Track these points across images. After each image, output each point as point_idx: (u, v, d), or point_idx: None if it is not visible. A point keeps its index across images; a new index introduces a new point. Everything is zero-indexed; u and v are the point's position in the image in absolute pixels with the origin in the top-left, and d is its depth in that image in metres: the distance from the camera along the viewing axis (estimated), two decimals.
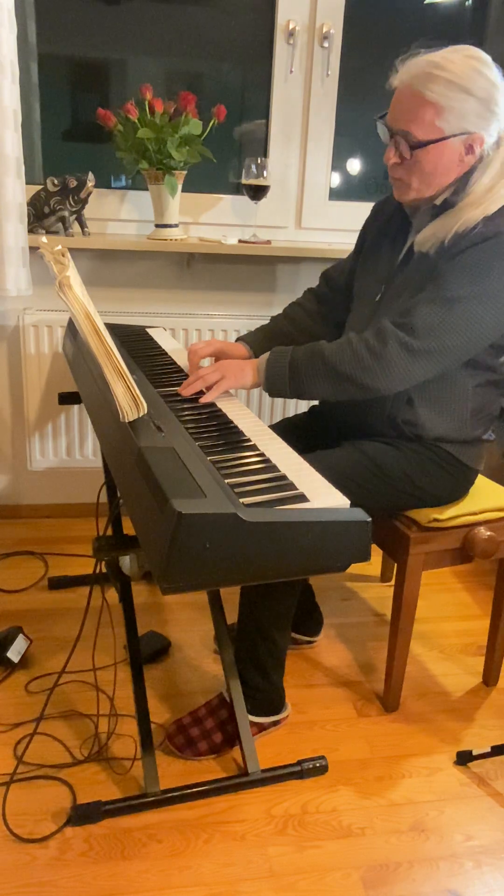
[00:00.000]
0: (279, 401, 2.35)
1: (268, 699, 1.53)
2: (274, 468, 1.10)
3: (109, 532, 1.33)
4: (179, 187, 2.09)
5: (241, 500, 0.97)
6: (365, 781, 1.46)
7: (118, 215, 2.26)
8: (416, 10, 2.26)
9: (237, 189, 2.34)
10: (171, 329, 2.24)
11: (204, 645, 1.84)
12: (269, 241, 2.20)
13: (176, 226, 2.14)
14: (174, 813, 1.36)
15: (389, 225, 1.52)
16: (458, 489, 1.51)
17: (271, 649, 1.48)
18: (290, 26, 2.14)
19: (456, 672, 1.80)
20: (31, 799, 1.37)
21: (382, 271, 1.49)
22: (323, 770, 1.46)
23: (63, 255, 1.26)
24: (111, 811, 1.33)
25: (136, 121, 1.98)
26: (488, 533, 1.50)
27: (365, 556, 1.01)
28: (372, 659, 1.83)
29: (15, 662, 1.68)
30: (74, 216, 2.09)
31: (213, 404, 1.36)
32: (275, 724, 1.57)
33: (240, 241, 2.19)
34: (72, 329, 1.75)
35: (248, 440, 1.20)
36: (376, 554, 2.29)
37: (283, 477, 1.07)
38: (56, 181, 2.04)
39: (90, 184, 2.03)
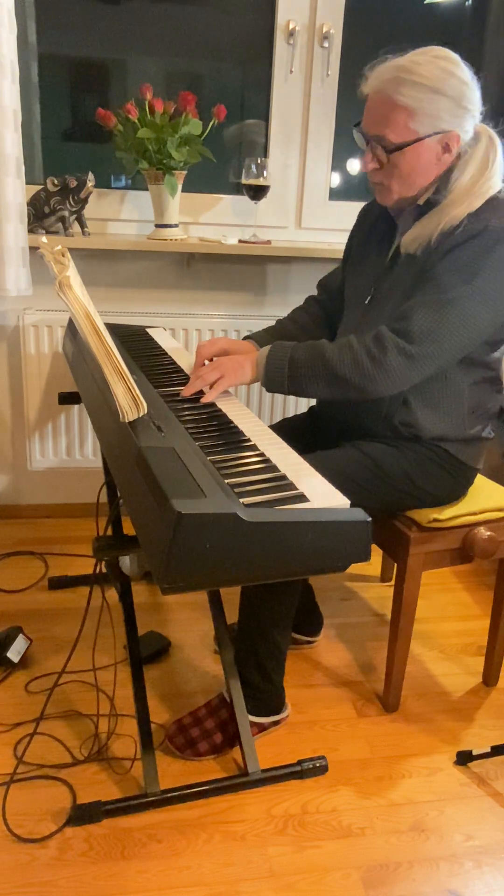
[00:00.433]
0: (279, 401, 2.35)
1: (268, 699, 1.53)
2: (274, 468, 1.10)
3: (109, 532, 1.33)
4: (179, 187, 2.09)
5: (241, 500, 0.97)
6: (365, 781, 1.46)
7: (118, 215, 2.26)
8: (416, 10, 2.26)
9: (237, 189, 2.34)
10: (171, 329, 2.24)
11: (204, 645, 1.84)
12: (269, 241, 2.20)
13: (176, 226, 2.14)
14: (174, 813, 1.36)
15: (375, 229, 1.53)
16: (458, 488, 1.51)
17: (272, 649, 1.48)
18: (290, 26, 2.14)
19: (456, 672, 1.80)
20: (31, 799, 1.37)
21: (371, 274, 1.50)
22: (323, 770, 1.46)
23: (63, 255, 1.26)
24: (111, 811, 1.33)
25: (136, 121, 1.98)
26: (488, 533, 1.50)
27: (365, 556, 1.01)
28: (372, 659, 1.83)
29: (15, 662, 1.68)
30: (74, 216, 2.09)
31: (213, 404, 1.36)
32: (275, 724, 1.57)
33: (240, 241, 2.19)
34: (72, 329, 1.75)
35: (248, 440, 1.20)
36: (376, 554, 2.29)
37: (283, 477, 1.07)
38: (56, 181, 2.04)
39: (90, 184, 2.03)
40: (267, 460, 1.13)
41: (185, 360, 1.62)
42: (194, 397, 1.39)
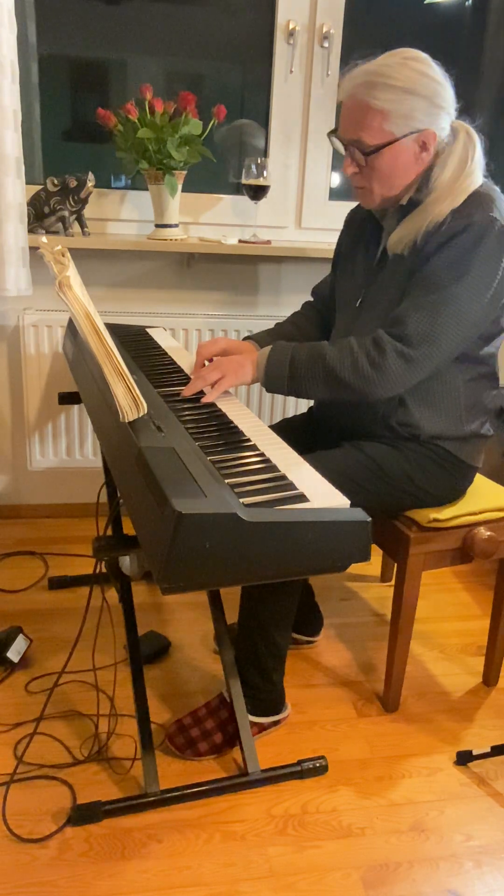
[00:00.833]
0: (279, 401, 2.35)
1: (268, 699, 1.53)
2: (274, 468, 1.10)
3: (109, 532, 1.33)
4: (179, 187, 2.09)
5: (241, 500, 0.97)
6: (365, 781, 1.46)
7: (118, 215, 2.26)
8: (416, 10, 2.26)
9: (237, 189, 2.34)
10: (171, 329, 2.24)
11: (204, 645, 1.84)
12: (269, 241, 2.20)
13: (176, 226, 2.14)
14: (174, 813, 1.36)
15: (362, 232, 1.54)
16: (457, 488, 1.51)
17: (272, 649, 1.48)
18: (290, 26, 2.14)
19: (456, 672, 1.80)
20: (31, 799, 1.37)
21: (360, 278, 1.51)
22: (323, 770, 1.46)
23: (63, 255, 1.26)
24: (111, 811, 1.33)
25: (136, 121, 1.98)
26: (488, 533, 1.50)
27: (365, 556, 1.01)
28: (372, 659, 1.83)
29: (15, 662, 1.68)
30: (74, 216, 2.09)
31: (213, 404, 1.37)
32: (275, 724, 1.57)
33: (240, 241, 2.19)
34: (72, 329, 1.75)
35: (248, 440, 1.20)
36: (376, 554, 2.29)
37: (283, 477, 1.07)
38: (56, 181, 2.04)
39: (90, 184, 2.03)
40: (267, 460, 1.13)
41: (185, 360, 1.62)
42: (195, 397, 1.39)
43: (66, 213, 2.06)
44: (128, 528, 2.23)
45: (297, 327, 1.70)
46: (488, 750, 1.48)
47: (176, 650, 1.82)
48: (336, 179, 2.36)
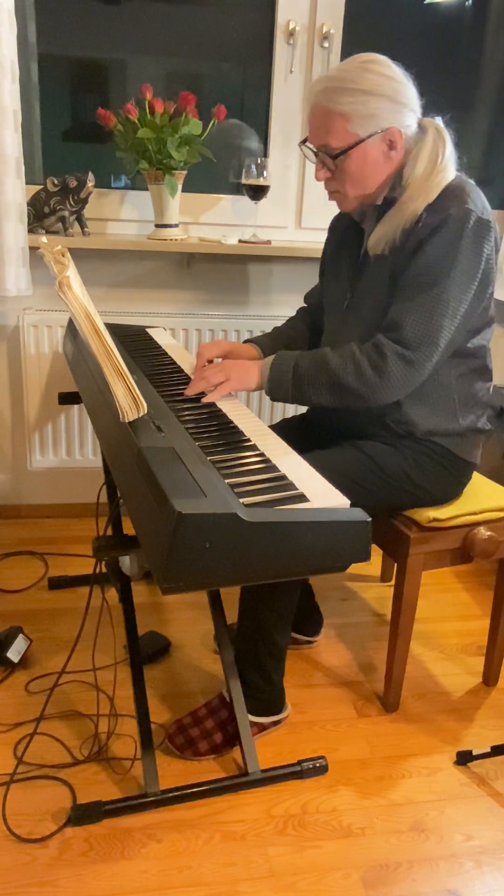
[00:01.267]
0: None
1: (268, 699, 1.53)
2: (274, 468, 1.10)
3: (109, 532, 1.33)
4: (179, 187, 2.09)
5: (241, 500, 0.97)
6: (365, 781, 1.46)
7: (118, 215, 2.26)
8: (416, 10, 2.26)
9: (237, 189, 2.34)
10: (171, 329, 2.24)
11: (204, 645, 1.84)
12: (269, 241, 2.20)
13: (176, 226, 2.14)
14: (174, 813, 1.36)
15: (345, 237, 1.56)
16: (455, 485, 1.51)
17: (271, 649, 1.48)
18: (290, 26, 2.14)
19: (456, 672, 1.80)
20: (31, 799, 1.37)
21: (345, 281, 1.52)
22: (323, 770, 1.46)
23: (63, 255, 1.26)
24: (111, 811, 1.33)
25: (136, 121, 1.98)
26: (488, 533, 1.50)
27: (365, 556, 1.01)
28: (372, 659, 1.83)
29: (15, 662, 1.68)
30: (74, 216, 2.09)
31: (213, 404, 1.37)
32: (275, 724, 1.57)
33: (240, 241, 2.19)
34: (72, 329, 1.75)
35: (248, 440, 1.21)
36: (376, 554, 2.29)
37: (283, 477, 1.07)
38: (56, 181, 2.04)
39: (90, 184, 2.03)
40: (267, 460, 1.13)
41: (184, 360, 1.62)
42: (195, 397, 1.39)
43: (66, 213, 2.06)
44: (128, 528, 2.23)
45: (295, 331, 1.71)
46: (488, 750, 1.48)
47: (176, 650, 1.82)
48: None
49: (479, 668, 1.82)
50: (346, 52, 2.18)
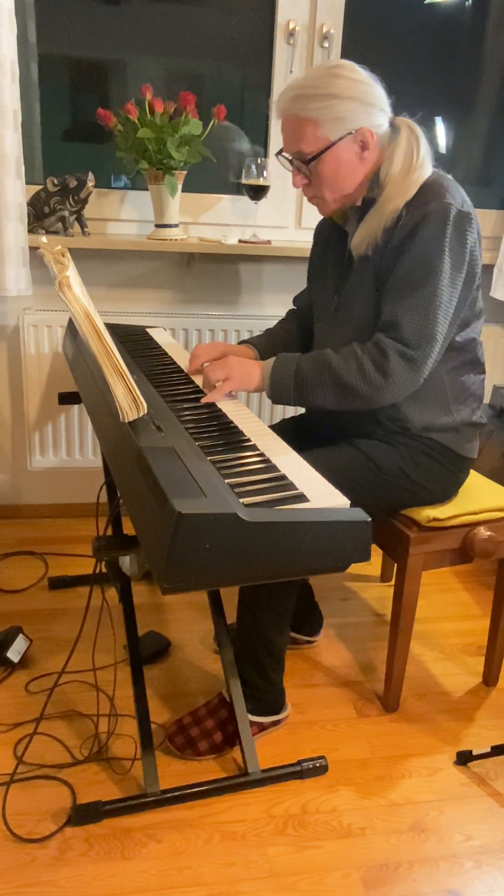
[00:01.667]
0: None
1: (268, 699, 1.53)
2: (274, 468, 1.10)
3: (109, 532, 1.33)
4: (179, 187, 2.09)
5: (241, 500, 0.97)
6: (365, 781, 1.46)
7: (118, 215, 2.26)
8: (416, 10, 2.26)
9: (237, 189, 2.34)
10: (171, 329, 2.24)
11: (204, 645, 1.84)
12: (269, 241, 2.20)
13: (176, 226, 2.14)
14: (174, 813, 1.36)
15: (330, 241, 1.57)
16: (452, 481, 1.51)
17: (270, 649, 1.48)
18: (290, 26, 2.14)
19: (456, 672, 1.80)
20: (31, 799, 1.37)
21: (332, 285, 1.53)
22: (323, 770, 1.46)
23: (63, 255, 1.26)
24: (111, 811, 1.33)
25: (136, 121, 1.98)
26: (488, 533, 1.50)
27: (365, 556, 1.01)
28: (372, 659, 1.83)
29: (15, 662, 1.68)
30: (74, 216, 2.09)
31: (213, 404, 1.37)
32: (275, 723, 1.57)
33: (240, 241, 2.18)
34: (72, 329, 1.75)
35: (248, 440, 1.21)
36: (376, 554, 2.29)
37: (283, 477, 1.07)
38: (56, 181, 2.04)
39: (90, 184, 2.03)
40: (267, 460, 1.13)
41: (184, 360, 1.62)
42: (195, 397, 1.39)
43: (66, 213, 2.06)
44: (128, 528, 2.24)
45: (287, 333, 1.72)
46: (488, 750, 1.48)
47: (176, 650, 1.82)
48: None
49: (479, 668, 1.82)
50: (346, 52, 2.19)
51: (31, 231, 2.09)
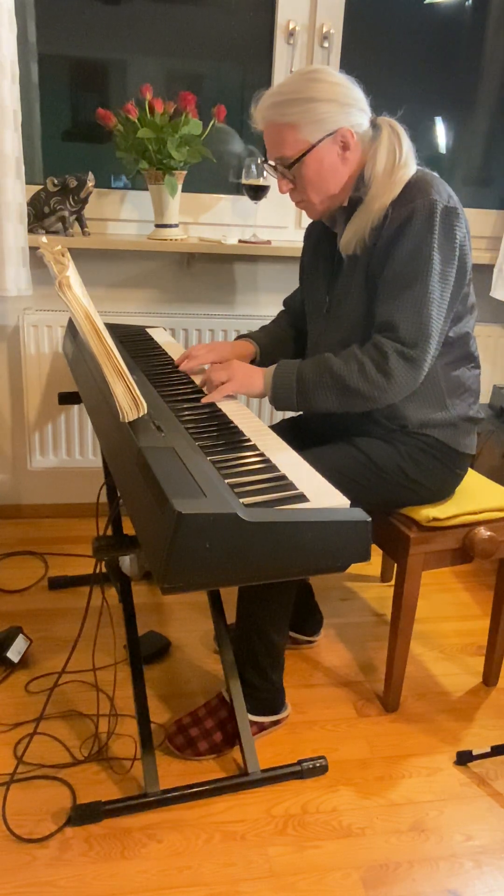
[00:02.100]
0: None
1: (267, 698, 1.53)
2: (274, 468, 1.10)
3: (109, 532, 1.33)
4: (179, 187, 2.09)
5: (241, 500, 0.97)
6: (365, 781, 1.46)
7: (118, 215, 2.26)
8: (416, 10, 2.26)
9: (237, 189, 2.34)
10: (171, 329, 2.24)
11: (204, 645, 1.84)
12: (269, 241, 2.20)
13: (176, 226, 2.14)
14: (174, 813, 1.36)
15: (320, 243, 1.58)
16: (451, 476, 1.51)
17: (269, 648, 1.48)
18: (290, 26, 2.14)
19: (456, 672, 1.80)
20: (31, 799, 1.37)
21: (323, 286, 1.54)
22: (323, 770, 1.46)
23: (63, 255, 1.26)
24: (111, 811, 1.33)
25: (136, 121, 1.98)
26: (488, 533, 1.50)
27: (365, 556, 1.01)
28: (372, 659, 1.83)
29: (15, 662, 1.68)
30: (74, 216, 2.09)
31: (213, 404, 1.37)
32: (275, 723, 1.57)
33: (240, 241, 2.18)
34: (72, 329, 1.75)
35: (248, 440, 1.21)
36: (376, 554, 2.29)
37: (283, 477, 1.07)
38: (56, 181, 2.04)
39: (90, 184, 2.03)
40: (267, 460, 1.13)
41: None
42: (195, 397, 1.39)
43: (66, 213, 2.06)
44: (128, 528, 2.24)
45: (282, 330, 1.72)
46: (488, 750, 1.48)
47: (176, 650, 1.82)
48: None
49: (479, 668, 1.82)
50: (346, 51, 2.19)
51: (31, 231, 2.09)
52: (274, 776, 1.43)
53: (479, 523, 1.52)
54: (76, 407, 2.26)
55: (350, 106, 1.35)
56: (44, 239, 1.65)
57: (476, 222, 2.43)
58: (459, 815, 1.39)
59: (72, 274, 1.16)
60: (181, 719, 1.52)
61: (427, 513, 1.48)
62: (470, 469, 1.75)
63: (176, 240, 2.13)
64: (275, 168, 1.42)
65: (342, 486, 1.40)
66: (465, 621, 2.02)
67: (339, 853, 1.30)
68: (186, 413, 1.30)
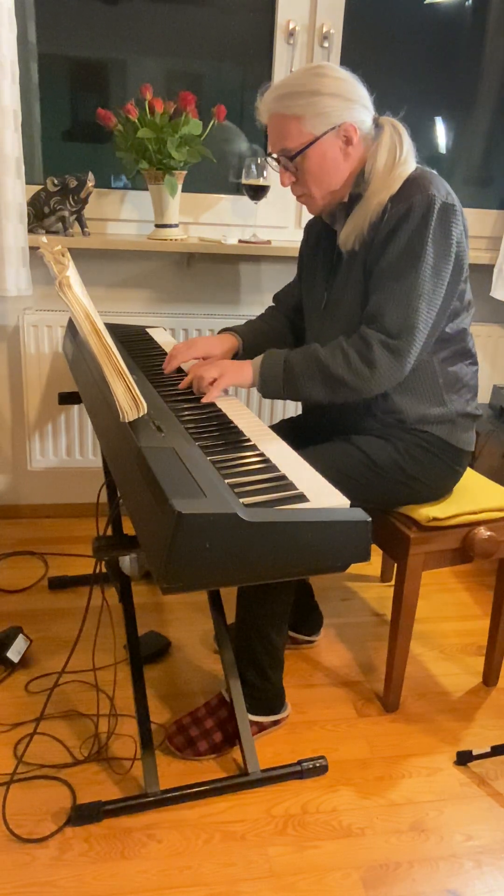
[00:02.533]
0: (279, 401, 2.35)
1: (267, 698, 1.53)
2: (274, 468, 1.10)
3: (109, 532, 1.33)
4: (179, 187, 2.09)
5: (241, 500, 0.97)
6: (365, 781, 1.46)
7: (118, 215, 2.26)
8: (416, 10, 2.26)
9: (237, 189, 2.34)
10: (171, 329, 2.24)
11: (204, 645, 1.84)
12: (269, 241, 2.20)
13: (176, 226, 2.14)
14: (174, 813, 1.36)
15: (319, 239, 1.59)
16: (449, 473, 1.51)
17: (268, 648, 1.48)
18: (290, 26, 2.13)
19: (456, 672, 1.80)
20: (31, 799, 1.37)
21: (322, 280, 1.55)
22: (323, 770, 1.46)
23: (63, 255, 1.26)
24: (111, 811, 1.33)
25: (136, 121, 1.98)
26: (488, 533, 1.50)
27: (365, 556, 1.01)
28: (372, 659, 1.83)
29: (15, 662, 1.68)
30: (74, 216, 2.09)
31: (212, 404, 1.37)
32: (275, 723, 1.57)
33: (240, 241, 2.18)
34: (72, 329, 1.75)
35: (248, 440, 1.21)
36: (376, 554, 2.29)
37: (283, 477, 1.07)
38: (56, 181, 2.04)
39: (90, 184, 2.03)
40: (267, 460, 1.13)
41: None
42: (195, 397, 1.39)
43: (66, 213, 2.06)
44: (128, 528, 2.23)
45: (271, 328, 1.72)
46: (488, 750, 1.48)
47: (176, 650, 1.82)
48: None
49: (479, 668, 1.82)
50: (346, 51, 2.19)
51: (31, 231, 2.09)
52: (274, 776, 1.43)
53: (478, 523, 1.52)
54: (76, 407, 2.26)
55: (354, 102, 1.36)
56: (44, 239, 1.65)
57: (476, 222, 2.43)
58: (459, 815, 1.39)
59: (72, 274, 1.16)
60: (181, 719, 1.52)
61: (427, 513, 1.48)
62: (470, 469, 1.75)
63: (176, 240, 2.13)
64: (277, 161, 1.42)
65: (341, 485, 1.40)
66: (465, 621, 2.02)
67: (339, 853, 1.30)
68: (186, 413, 1.30)
